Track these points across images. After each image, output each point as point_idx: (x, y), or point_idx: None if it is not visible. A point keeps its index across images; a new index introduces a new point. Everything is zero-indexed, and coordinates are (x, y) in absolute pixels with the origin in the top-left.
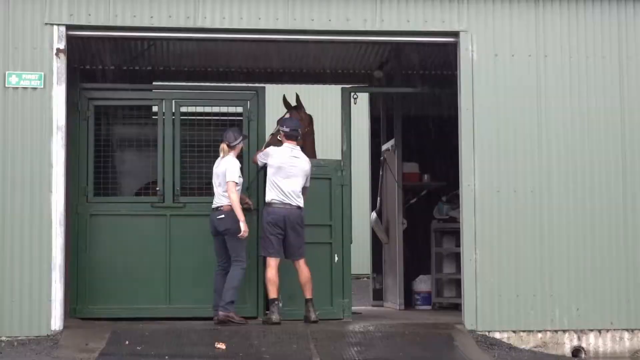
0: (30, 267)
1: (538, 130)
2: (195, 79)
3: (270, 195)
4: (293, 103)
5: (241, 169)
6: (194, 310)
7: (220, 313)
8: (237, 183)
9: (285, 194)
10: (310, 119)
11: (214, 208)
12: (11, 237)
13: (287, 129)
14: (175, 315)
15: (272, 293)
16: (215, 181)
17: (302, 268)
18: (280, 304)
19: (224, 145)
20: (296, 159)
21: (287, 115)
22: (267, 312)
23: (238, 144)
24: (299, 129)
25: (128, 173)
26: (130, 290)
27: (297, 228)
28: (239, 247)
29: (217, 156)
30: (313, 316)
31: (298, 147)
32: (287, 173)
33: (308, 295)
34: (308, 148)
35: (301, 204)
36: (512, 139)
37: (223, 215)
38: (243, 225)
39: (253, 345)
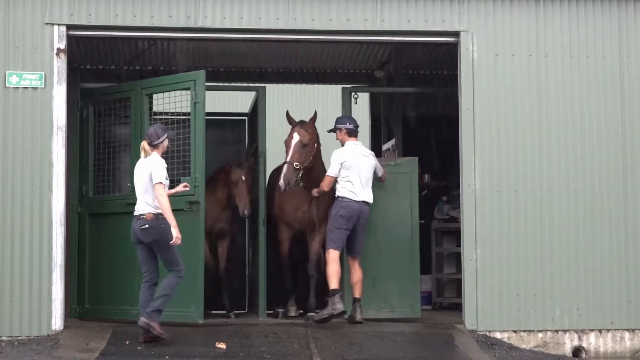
0: (31, 266)
1: (539, 130)
2: None
3: (344, 191)
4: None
5: (168, 169)
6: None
7: (142, 319)
8: (165, 185)
9: (358, 190)
10: (317, 134)
11: (136, 216)
12: (11, 237)
13: (350, 126)
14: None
15: (335, 284)
16: (138, 185)
17: (357, 267)
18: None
19: (144, 144)
20: (364, 156)
21: (296, 133)
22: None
23: (161, 142)
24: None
25: (128, 172)
26: (131, 291)
27: (365, 224)
28: (172, 256)
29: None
30: (358, 317)
31: (360, 143)
32: (358, 170)
33: (357, 295)
34: (318, 166)
35: (371, 200)
36: (513, 139)
37: (147, 226)
38: (175, 232)
39: (254, 345)
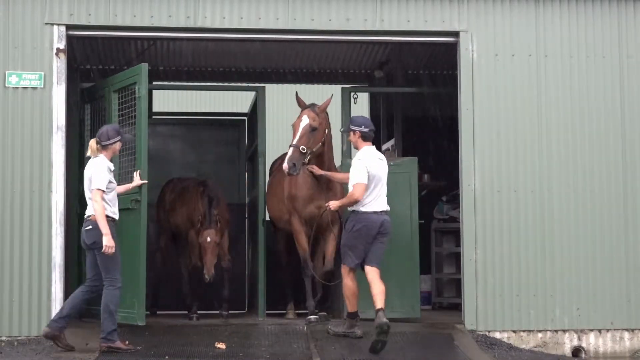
0: (30, 266)
1: (538, 130)
2: (196, 79)
3: (363, 203)
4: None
5: (113, 170)
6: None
7: (102, 345)
8: (104, 191)
9: (378, 200)
10: (329, 120)
11: (85, 217)
12: (11, 237)
13: (365, 130)
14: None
15: (354, 306)
16: (85, 186)
17: (378, 277)
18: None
19: (92, 143)
20: (381, 161)
21: (304, 117)
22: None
23: (111, 144)
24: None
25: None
26: (129, 291)
27: (387, 234)
28: (110, 264)
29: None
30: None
31: (374, 147)
32: (377, 178)
33: (380, 305)
34: (328, 154)
35: (388, 208)
36: (513, 138)
37: (90, 227)
38: (106, 240)
39: (253, 345)
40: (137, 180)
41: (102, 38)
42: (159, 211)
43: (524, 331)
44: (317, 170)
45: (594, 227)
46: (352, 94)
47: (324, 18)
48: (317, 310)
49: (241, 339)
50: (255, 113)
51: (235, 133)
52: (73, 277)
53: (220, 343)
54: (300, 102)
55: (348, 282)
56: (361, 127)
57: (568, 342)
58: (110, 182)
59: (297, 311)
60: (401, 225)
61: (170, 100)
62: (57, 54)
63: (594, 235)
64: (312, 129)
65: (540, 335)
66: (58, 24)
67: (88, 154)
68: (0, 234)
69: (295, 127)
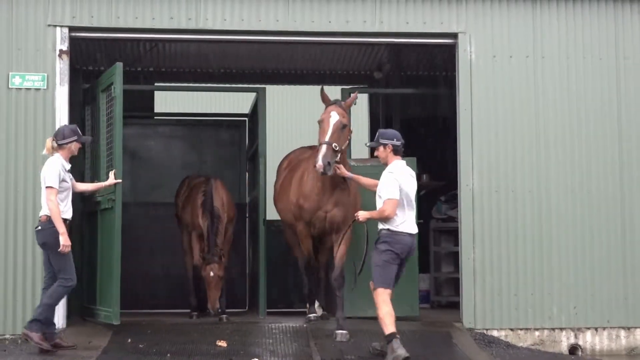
0: (34, 265)
1: (536, 131)
2: (198, 80)
3: (396, 222)
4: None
5: (70, 170)
6: None
7: (24, 330)
8: (57, 190)
9: (411, 221)
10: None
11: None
12: (14, 236)
13: (398, 143)
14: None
15: (393, 327)
16: (42, 184)
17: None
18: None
19: (48, 142)
20: (412, 178)
21: (333, 113)
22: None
23: (66, 143)
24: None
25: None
26: (108, 290)
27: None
28: (62, 262)
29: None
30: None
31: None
32: (407, 195)
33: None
34: (344, 157)
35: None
36: (511, 139)
37: (40, 227)
38: (62, 239)
39: (254, 343)
40: (111, 179)
41: (104, 39)
42: (176, 210)
43: (521, 329)
44: (343, 171)
45: (592, 227)
46: (350, 94)
47: (323, 20)
48: (322, 309)
49: (242, 337)
50: (256, 114)
51: (236, 133)
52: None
53: (222, 341)
54: (325, 98)
55: (386, 306)
56: (393, 140)
57: (565, 340)
58: (63, 180)
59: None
60: None
61: (172, 101)
62: (59, 56)
63: (592, 234)
64: (342, 126)
65: (537, 333)
66: (61, 26)
67: (44, 152)
68: (4, 232)
69: (324, 123)
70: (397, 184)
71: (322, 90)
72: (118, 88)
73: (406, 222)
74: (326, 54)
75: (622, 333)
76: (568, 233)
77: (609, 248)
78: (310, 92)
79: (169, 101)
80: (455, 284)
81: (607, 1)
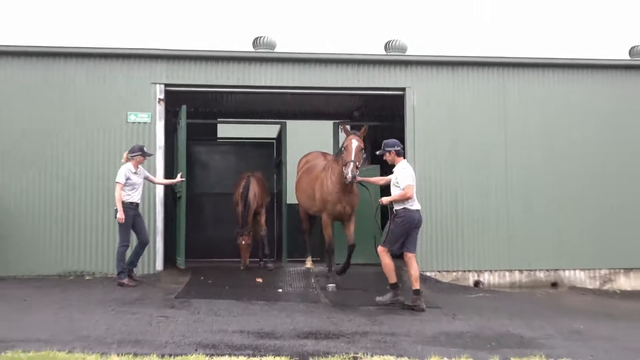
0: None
1: (453, 149)
2: (244, 116)
3: (410, 202)
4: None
5: (135, 173)
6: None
7: (118, 281)
8: (122, 184)
9: (417, 201)
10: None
11: None
12: (108, 213)
13: (399, 148)
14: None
15: (394, 278)
16: None
17: (415, 263)
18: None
19: (125, 154)
20: (413, 171)
21: (354, 140)
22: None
23: (133, 156)
24: None
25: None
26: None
27: (420, 227)
28: (120, 230)
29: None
30: (423, 305)
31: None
32: (415, 183)
33: (418, 287)
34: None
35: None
36: (439, 154)
37: (115, 208)
38: (118, 214)
39: (278, 279)
40: (178, 178)
41: (186, 91)
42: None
43: (444, 271)
44: (359, 179)
45: (487, 209)
46: (339, 126)
47: (322, 80)
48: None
49: (272, 276)
50: (280, 137)
51: (267, 150)
52: (167, 239)
53: (259, 278)
54: (345, 130)
55: (388, 260)
56: (394, 147)
57: (471, 278)
58: (128, 179)
59: (314, 258)
60: (370, 206)
61: (229, 130)
62: (158, 102)
63: (488, 217)
64: (360, 149)
65: (454, 274)
66: (159, 83)
67: (122, 160)
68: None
69: (348, 148)
70: (411, 174)
71: (344, 125)
72: (183, 121)
73: (415, 202)
74: (323, 100)
75: (507, 274)
76: (473, 212)
77: (497, 223)
78: (313, 125)
79: (226, 129)
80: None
81: (497, 67)
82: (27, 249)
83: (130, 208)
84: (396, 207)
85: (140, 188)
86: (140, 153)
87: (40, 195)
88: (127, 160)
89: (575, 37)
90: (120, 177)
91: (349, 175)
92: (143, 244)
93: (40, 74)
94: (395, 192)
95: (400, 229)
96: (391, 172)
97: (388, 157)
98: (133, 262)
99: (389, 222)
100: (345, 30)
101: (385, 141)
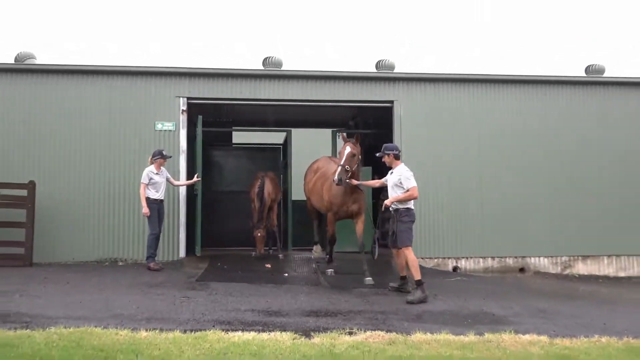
0: (171, 225)
1: (434, 154)
2: (255, 125)
3: (411, 202)
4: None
5: (157, 174)
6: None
7: (147, 265)
8: (145, 184)
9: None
10: (360, 149)
11: None
12: (137, 207)
13: (397, 152)
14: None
15: (420, 274)
16: None
17: (412, 255)
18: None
19: (149, 158)
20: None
21: (348, 147)
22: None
23: (154, 159)
24: None
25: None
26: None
27: None
28: (148, 221)
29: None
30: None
31: None
32: None
33: (404, 274)
34: (357, 173)
35: None
36: (421, 156)
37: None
38: (143, 209)
39: (285, 265)
40: (194, 179)
41: (205, 104)
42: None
43: (427, 258)
44: (354, 182)
45: (462, 206)
46: (337, 133)
47: (322, 94)
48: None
49: (279, 263)
50: (286, 143)
51: (275, 154)
52: (190, 231)
53: (268, 264)
54: (343, 137)
55: (413, 257)
56: (393, 150)
57: (450, 264)
58: (151, 179)
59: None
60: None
61: (242, 137)
62: (182, 113)
63: (464, 213)
64: (352, 155)
65: (435, 260)
66: (182, 97)
67: (148, 162)
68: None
69: (341, 154)
70: (413, 177)
71: (342, 132)
72: (199, 129)
73: (414, 201)
74: (323, 111)
75: (481, 260)
76: (452, 210)
77: (473, 219)
78: (315, 132)
79: (240, 136)
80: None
81: (471, 82)
82: (70, 239)
83: (155, 203)
84: (400, 206)
85: (162, 186)
86: (160, 156)
87: (80, 193)
88: (151, 163)
89: (539, 54)
90: (144, 178)
91: (335, 177)
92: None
93: (90, 88)
94: (396, 193)
95: (409, 227)
96: (382, 174)
97: (387, 159)
98: (151, 253)
99: (392, 222)
100: (342, 48)
101: (385, 145)
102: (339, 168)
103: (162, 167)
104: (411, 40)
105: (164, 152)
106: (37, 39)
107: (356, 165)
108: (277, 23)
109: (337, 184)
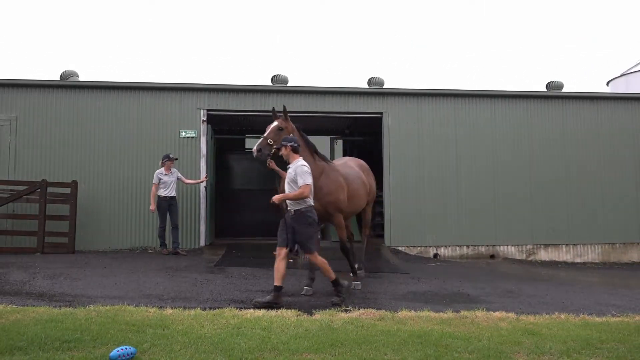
0: (193, 218)
1: (419, 160)
2: (263, 133)
3: (311, 200)
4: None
5: (166, 175)
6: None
7: (161, 251)
8: (156, 184)
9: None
10: (294, 126)
11: None
12: (182, 205)
13: (295, 144)
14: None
15: (334, 274)
16: None
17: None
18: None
19: (160, 162)
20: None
21: (276, 121)
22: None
23: (164, 162)
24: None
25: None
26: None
27: None
28: (158, 216)
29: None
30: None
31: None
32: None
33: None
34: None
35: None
36: (407, 164)
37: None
38: (151, 206)
39: (290, 253)
40: (202, 177)
41: (222, 115)
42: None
43: (412, 246)
44: (273, 165)
45: (441, 203)
46: (334, 141)
47: (321, 106)
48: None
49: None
50: None
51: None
52: (208, 223)
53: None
54: (274, 115)
55: (321, 259)
56: (291, 142)
57: (432, 251)
58: (160, 179)
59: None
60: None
61: (253, 143)
62: (202, 122)
63: (443, 207)
64: (278, 129)
65: (419, 248)
66: (203, 109)
67: (159, 164)
68: (182, 205)
69: (267, 127)
70: (310, 173)
71: (273, 109)
72: (210, 137)
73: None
74: (322, 121)
75: (457, 248)
76: (434, 206)
77: (451, 214)
78: (314, 139)
79: (252, 143)
80: (382, 226)
81: (454, 97)
82: (106, 230)
83: (164, 200)
84: (302, 206)
85: (172, 186)
86: (167, 159)
87: (115, 191)
88: (161, 165)
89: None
90: (154, 179)
91: (254, 149)
92: (173, 226)
93: (124, 101)
94: (292, 189)
95: (315, 229)
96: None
97: (283, 152)
98: (175, 242)
99: (290, 225)
100: (340, 66)
101: (284, 137)
102: (260, 139)
103: (172, 169)
104: (402, 56)
105: (171, 155)
106: (80, 56)
107: (278, 140)
108: (284, 43)
109: (255, 156)
